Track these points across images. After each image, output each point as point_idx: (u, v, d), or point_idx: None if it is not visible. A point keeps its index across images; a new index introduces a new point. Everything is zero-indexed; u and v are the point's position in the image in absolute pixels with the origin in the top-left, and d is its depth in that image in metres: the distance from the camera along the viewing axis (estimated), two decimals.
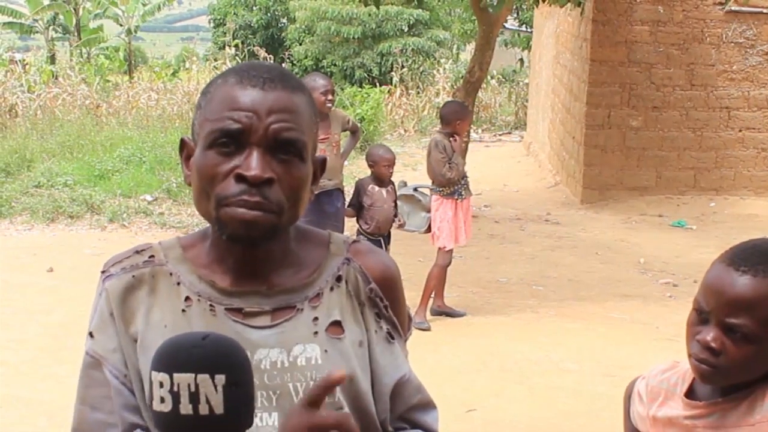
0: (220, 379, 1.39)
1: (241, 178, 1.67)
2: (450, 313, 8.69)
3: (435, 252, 8.68)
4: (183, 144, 1.85)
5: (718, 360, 2.09)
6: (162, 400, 1.40)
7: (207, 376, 1.39)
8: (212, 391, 1.39)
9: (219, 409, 1.39)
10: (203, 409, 1.39)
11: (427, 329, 8.23)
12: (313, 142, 1.81)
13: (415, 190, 8.61)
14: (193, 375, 1.39)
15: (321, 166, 1.86)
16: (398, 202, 8.42)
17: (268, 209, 1.69)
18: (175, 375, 1.39)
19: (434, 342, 7.81)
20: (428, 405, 1.95)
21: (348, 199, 8.67)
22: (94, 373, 1.79)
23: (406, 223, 8.59)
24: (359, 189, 8.22)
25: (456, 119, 8.40)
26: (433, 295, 8.66)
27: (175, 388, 1.40)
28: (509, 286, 9.87)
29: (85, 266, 10.10)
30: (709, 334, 2.10)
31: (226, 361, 1.42)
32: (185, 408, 1.39)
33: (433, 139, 8.44)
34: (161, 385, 1.41)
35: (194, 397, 1.39)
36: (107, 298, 1.80)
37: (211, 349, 1.41)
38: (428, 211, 8.49)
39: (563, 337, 8.11)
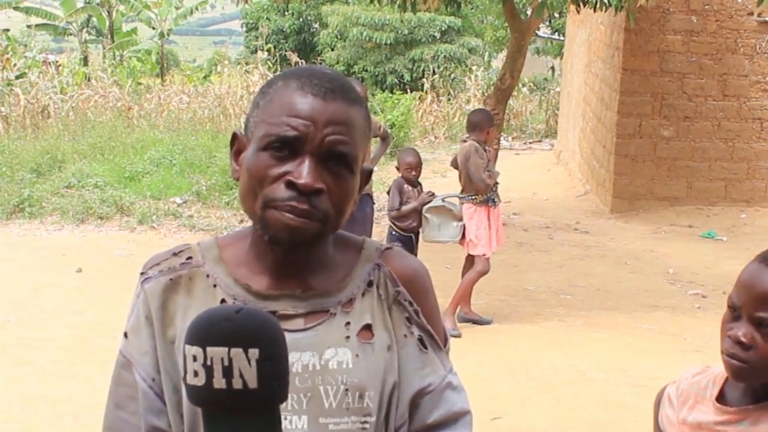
0: (254, 353, 1.37)
1: (291, 185, 1.68)
2: (477, 321, 8.68)
3: (462, 259, 8.69)
4: (234, 138, 1.84)
5: (748, 354, 2.10)
6: (195, 373, 1.39)
7: (240, 350, 1.37)
8: (246, 365, 1.37)
9: (253, 384, 1.37)
10: (237, 384, 1.37)
11: (458, 336, 8.22)
12: (364, 155, 1.81)
13: (443, 200, 8.63)
14: (226, 349, 1.37)
15: (367, 177, 1.86)
16: (427, 215, 8.47)
17: (315, 218, 1.69)
18: (208, 348, 1.38)
19: (460, 349, 7.79)
20: (458, 417, 1.90)
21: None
22: (124, 372, 1.81)
23: (438, 234, 8.60)
24: (400, 189, 8.38)
25: (489, 126, 8.51)
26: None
27: (209, 362, 1.38)
28: (537, 295, 9.84)
29: (114, 267, 10.17)
30: (741, 330, 2.11)
31: (260, 335, 1.40)
32: (218, 382, 1.37)
33: (471, 145, 8.39)
34: (194, 358, 1.39)
35: (228, 371, 1.37)
36: (144, 300, 1.81)
37: (243, 322, 1.40)
38: (459, 219, 8.49)
39: (590, 347, 8.07)
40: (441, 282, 8.97)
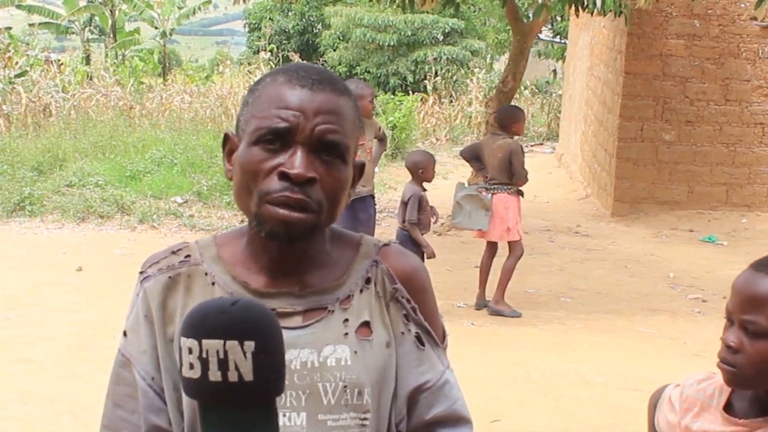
0: (249, 345, 1.37)
1: (284, 176, 1.68)
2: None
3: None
4: (227, 139, 1.85)
5: (736, 358, 2.11)
6: (191, 366, 1.38)
7: (236, 342, 1.36)
8: (241, 357, 1.36)
9: (248, 376, 1.37)
10: (232, 376, 1.36)
11: (519, 315, 8.97)
12: (355, 146, 1.82)
13: (476, 190, 8.87)
14: (222, 341, 1.37)
15: (360, 170, 1.86)
16: (461, 202, 8.81)
17: (310, 208, 1.69)
18: (204, 341, 1.37)
19: (460, 351, 7.77)
20: (459, 420, 1.91)
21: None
22: (122, 371, 1.81)
23: (470, 222, 8.90)
24: (421, 202, 8.30)
25: (513, 122, 8.95)
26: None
27: (204, 355, 1.37)
28: (537, 297, 9.83)
29: (114, 266, 10.16)
30: (731, 335, 2.14)
31: (255, 328, 1.39)
32: (214, 375, 1.37)
33: (515, 142, 8.89)
34: (190, 351, 1.38)
35: (223, 364, 1.37)
36: (144, 299, 1.81)
37: (239, 315, 1.39)
38: (488, 210, 8.82)
39: (590, 350, 8.07)
40: (441, 284, 8.99)
